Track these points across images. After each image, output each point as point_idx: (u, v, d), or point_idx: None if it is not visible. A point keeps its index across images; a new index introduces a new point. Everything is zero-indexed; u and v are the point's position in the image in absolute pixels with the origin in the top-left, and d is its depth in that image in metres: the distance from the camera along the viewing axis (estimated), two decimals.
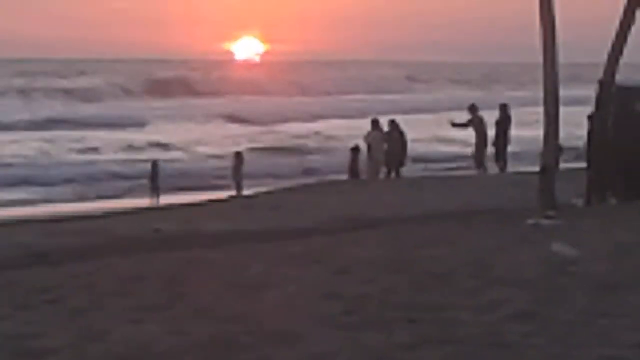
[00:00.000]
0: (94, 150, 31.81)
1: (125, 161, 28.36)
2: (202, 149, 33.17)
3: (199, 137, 37.18)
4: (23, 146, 32.06)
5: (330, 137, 36.86)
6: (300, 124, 43.83)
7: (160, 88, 64.66)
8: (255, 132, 40.25)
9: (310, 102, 57.16)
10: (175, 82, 68.59)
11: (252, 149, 30.80)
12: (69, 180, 24.35)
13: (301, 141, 35.86)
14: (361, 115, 36.40)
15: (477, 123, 22.14)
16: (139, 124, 42.69)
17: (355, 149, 22.04)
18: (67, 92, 58.95)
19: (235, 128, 43.05)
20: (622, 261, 8.91)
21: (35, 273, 9.63)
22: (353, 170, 21.88)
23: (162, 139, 35.28)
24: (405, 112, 41.31)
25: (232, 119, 47.00)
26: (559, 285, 7.82)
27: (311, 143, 35.30)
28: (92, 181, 24.49)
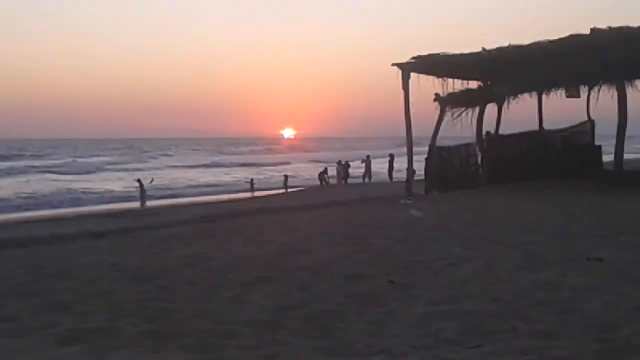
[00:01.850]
0: None
1: None
2: None
3: None
4: None
5: None
6: None
7: None
8: None
9: None
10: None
11: None
12: None
13: None
14: None
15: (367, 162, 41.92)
16: None
17: (324, 171, 42.51)
18: None
19: None
20: (442, 218, 19.34)
21: None
22: (321, 180, 41.91)
23: None
24: None
25: None
26: (411, 228, 17.81)
27: None
28: None
